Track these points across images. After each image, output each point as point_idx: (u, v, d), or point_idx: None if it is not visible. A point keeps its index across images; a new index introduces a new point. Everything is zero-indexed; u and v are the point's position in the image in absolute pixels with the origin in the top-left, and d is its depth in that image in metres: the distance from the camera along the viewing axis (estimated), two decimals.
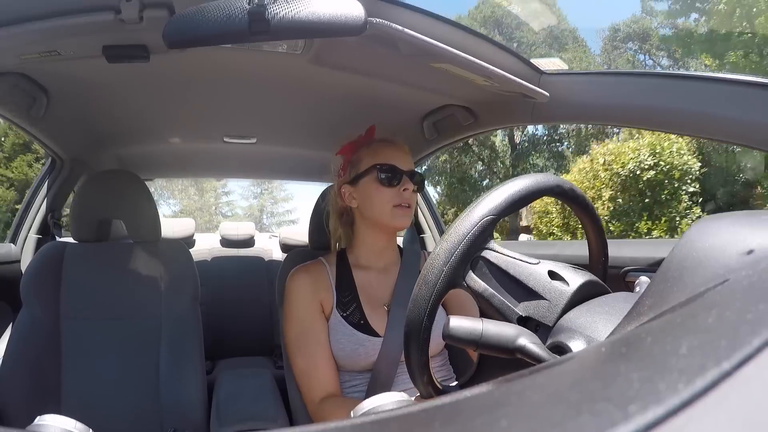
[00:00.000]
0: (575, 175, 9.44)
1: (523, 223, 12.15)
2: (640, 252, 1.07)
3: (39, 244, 1.61)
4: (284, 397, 1.24)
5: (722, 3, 11.32)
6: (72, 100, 1.23)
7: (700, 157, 9.24)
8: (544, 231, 9.54)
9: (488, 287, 0.52)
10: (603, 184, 8.84)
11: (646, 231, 8.26)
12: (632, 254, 1.07)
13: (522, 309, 0.51)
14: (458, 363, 1.15)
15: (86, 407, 1.17)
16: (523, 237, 10.68)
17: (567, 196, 0.58)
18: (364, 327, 1.02)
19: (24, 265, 1.54)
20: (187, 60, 1.04)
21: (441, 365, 1.09)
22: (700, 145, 9.37)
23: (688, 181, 8.62)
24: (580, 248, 1.31)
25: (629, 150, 8.61)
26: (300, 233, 2.71)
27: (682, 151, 8.61)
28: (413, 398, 0.59)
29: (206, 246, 3.10)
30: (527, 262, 0.52)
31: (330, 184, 1.20)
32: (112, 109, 1.35)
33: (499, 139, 15.89)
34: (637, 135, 9.36)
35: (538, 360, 0.44)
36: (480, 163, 16.04)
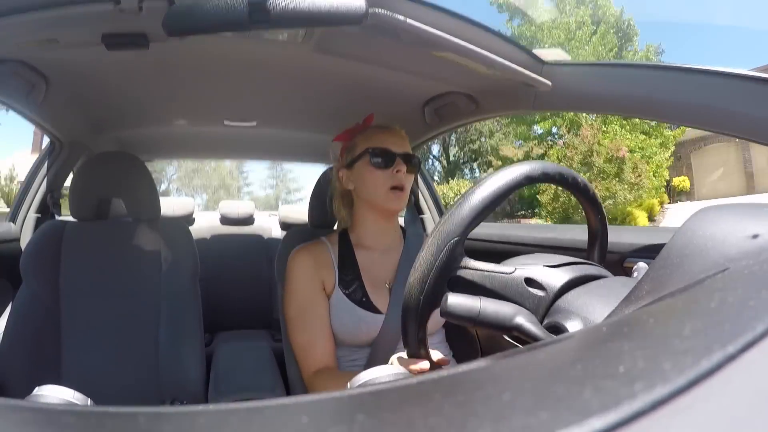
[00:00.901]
0: None
1: None
2: (640, 238, 1.08)
3: (38, 223, 1.61)
4: (282, 369, 1.25)
5: None
6: (71, 87, 1.23)
7: None
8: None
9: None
10: None
11: None
12: (631, 240, 1.07)
13: None
14: (455, 341, 1.17)
15: (85, 381, 1.18)
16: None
17: (554, 180, 0.58)
18: (366, 304, 1.03)
19: (23, 244, 1.55)
20: (186, 47, 1.03)
21: (438, 342, 1.10)
22: None
23: None
24: (581, 233, 1.31)
25: None
26: (299, 211, 2.71)
27: None
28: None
29: (205, 225, 3.10)
30: (503, 273, 0.52)
31: (331, 165, 1.22)
32: (112, 95, 1.34)
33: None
34: None
35: (534, 339, 0.45)
36: None
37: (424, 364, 0.67)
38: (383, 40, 0.92)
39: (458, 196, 0.54)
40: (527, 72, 0.97)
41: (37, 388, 0.52)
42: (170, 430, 0.20)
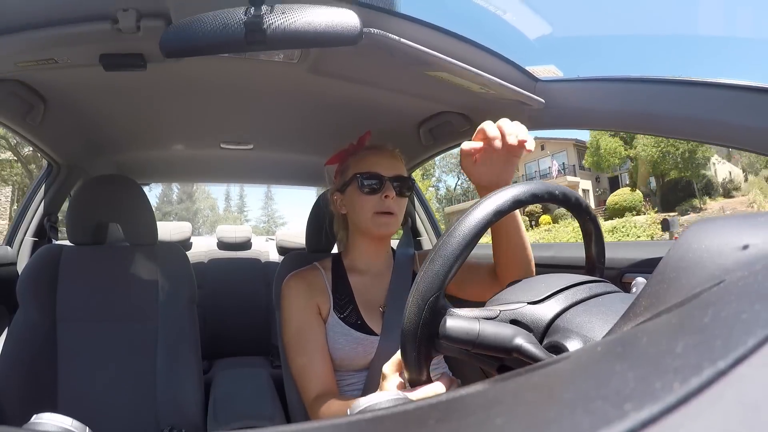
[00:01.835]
0: None
1: None
2: (637, 253, 1.07)
3: (35, 247, 1.61)
4: (281, 396, 1.23)
5: None
6: (69, 108, 1.24)
7: None
8: None
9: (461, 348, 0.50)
10: None
11: None
12: (629, 255, 1.07)
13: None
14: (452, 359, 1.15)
15: (82, 408, 1.17)
16: None
17: (543, 200, 0.56)
18: (361, 327, 1.03)
19: (20, 268, 1.54)
20: (183, 68, 1.05)
21: (436, 362, 1.09)
22: None
23: None
24: (578, 250, 1.31)
25: None
26: (295, 236, 2.71)
27: None
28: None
29: (203, 249, 3.10)
30: (488, 319, 0.51)
31: (327, 188, 1.22)
32: (109, 116, 1.36)
33: None
34: None
35: (534, 360, 0.44)
36: None
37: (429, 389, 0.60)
38: (378, 61, 0.94)
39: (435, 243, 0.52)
40: (520, 90, 0.98)
41: (35, 416, 0.51)
42: None
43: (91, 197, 1.35)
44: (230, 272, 2.67)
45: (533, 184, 0.55)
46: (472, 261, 0.86)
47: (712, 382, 0.16)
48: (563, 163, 26.15)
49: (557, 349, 0.46)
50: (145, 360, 1.24)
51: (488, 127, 0.76)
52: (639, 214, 20.03)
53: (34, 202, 1.62)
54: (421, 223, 2.02)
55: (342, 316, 1.04)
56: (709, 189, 21.31)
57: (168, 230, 2.90)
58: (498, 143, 0.74)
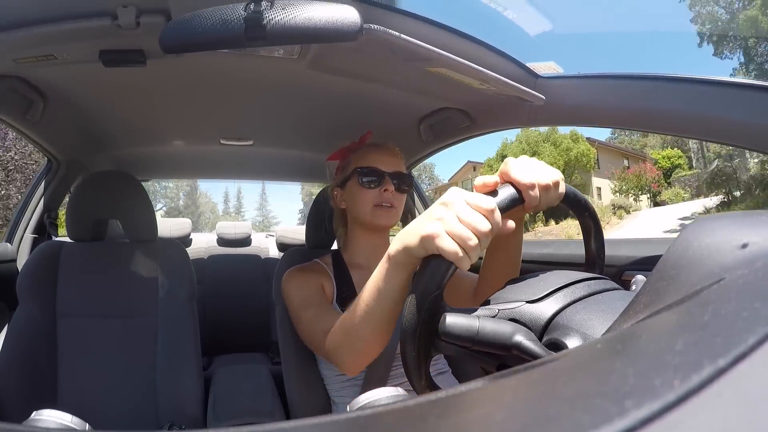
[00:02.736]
0: None
1: None
2: (637, 251, 1.07)
3: (35, 243, 1.60)
4: (281, 392, 1.23)
5: None
6: (68, 104, 1.23)
7: None
8: None
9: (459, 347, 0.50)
10: None
11: None
12: (629, 253, 1.07)
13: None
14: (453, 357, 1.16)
15: (82, 404, 1.17)
16: None
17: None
18: None
19: (20, 264, 1.54)
20: (183, 64, 1.04)
21: (435, 358, 1.09)
22: None
23: None
24: (577, 248, 1.31)
25: None
26: (295, 232, 2.70)
27: None
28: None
29: (203, 245, 3.09)
30: (487, 317, 0.51)
31: (327, 184, 1.23)
32: (109, 111, 1.35)
33: None
34: None
35: (534, 357, 0.44)
36: None
37: None
38: (378, 56, 0.93)
39: None
40: (521, 86, 0.98)
41: (35, 413, 0.51)
42: None
43: (90, 193, 1.34)
44: (230, 268, 2.67)
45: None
46: (458, 272, 0.81)
47: (713, 379, 0.16)
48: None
49: (557, 346, 0.46)
50: (145, 356, 1.24)
51: (517, 166, 0.56)
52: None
53: (33, 199, 1.62)
54: None
55: (344, 308, 1.03)
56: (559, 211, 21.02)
57: (168, 226, 2.89)
58: (536, 194, 0.55)
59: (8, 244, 1.58)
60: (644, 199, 24.42)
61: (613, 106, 0.94)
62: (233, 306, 2.48)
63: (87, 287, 1.27)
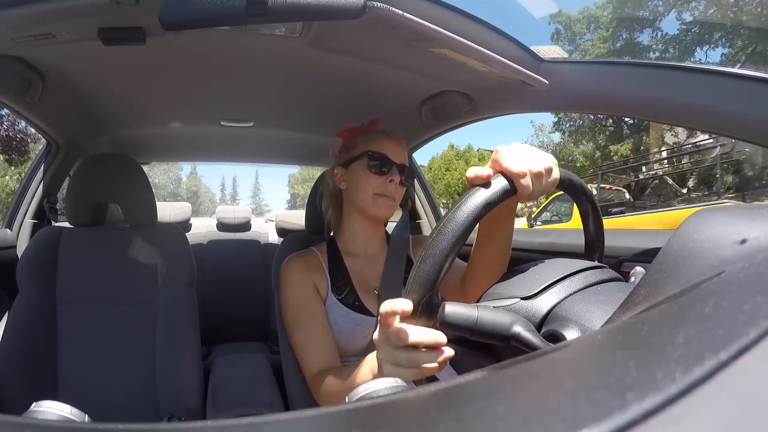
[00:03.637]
0: None
1: None
2: (636, 242, 1.08)
3: (35, 229, 1.60)
4: (280, 382, 1.24)
5: None
6: (67, 84, 1.22)
7: None
8: None
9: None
10: None
11: None
12: (628, 244, 1.07)
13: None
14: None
15: (82, 393, 1.18)
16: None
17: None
18: (359, 307, 1.04)
19: (20, 251, 1.54)
20: (183, 43, 1.02)
21: None
22: None
23: None
24: (576, 237, 1.31)
25: None
26: (295, 217, 2.70)
27: None
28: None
29: (202, 230, 3.09)
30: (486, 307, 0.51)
31: (326, 168, 1.21)
32: (108, 92, 1.33)
33: None
34: None
35: (532, 348, 0.44)
36: None
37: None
38: (381, 36, 0.92)
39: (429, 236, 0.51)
40: (524, 70, 0.96)
41: (34, 404, 0.51)
42: None
43: (90, 177, 1.33)
44: (230, 254, 2.66)
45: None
46: None
47: (715, 372, 0.16)
48: None
49: (555, 337, 0.46)
50: (144, 343, 1.25)
51: (508, 154, 0.55)
52: None
53: (33, 183, 1.61)
54: (422, 207, 2.01)
55: (340, 297, 1.04)
56: None
57: (167, 211, 2.87)
58: (527, 183, 0.54)
59: (8, 230, 1.57)
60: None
61: (617, 93, 0.93)
62: (233, 294, 2.49)
63: (87, 274, 1.27)
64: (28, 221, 1.60)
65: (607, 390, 0.17)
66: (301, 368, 1.02)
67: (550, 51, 1.07)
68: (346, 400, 0.42)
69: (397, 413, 0.23)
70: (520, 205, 0.90)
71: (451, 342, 0.52)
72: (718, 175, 8.64)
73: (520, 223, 9.64)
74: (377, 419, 0.22)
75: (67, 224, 1.35)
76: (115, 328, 1.25)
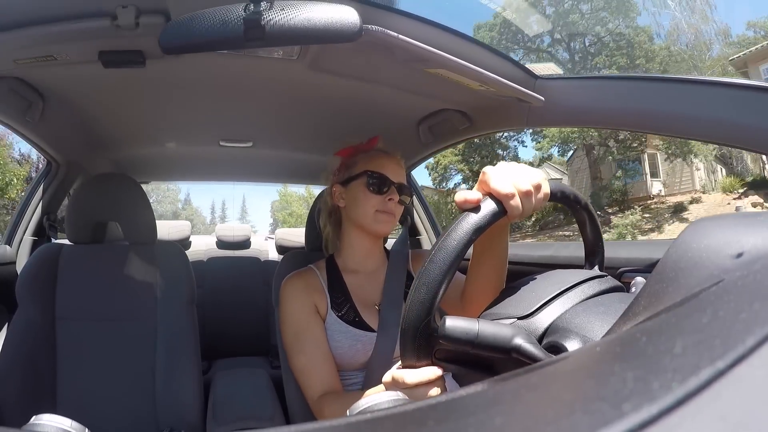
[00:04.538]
0: None
1: None
2: (636, 253, 1.07)
3: (34, 246, 1.60)
4: (281, 396, 1.23)
5: None
6: (68, 105, 1.23)
7: None
8: None
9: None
10: None
11: None
12: (628, 255, 1.07)
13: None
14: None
15: (81, 408, 1.17)
16: None
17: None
18: (359, 324, 1.03)
19: (19, 267, 1.54)
20: (183, 65, 1.04)
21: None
22: None
23: None
24: (577, 249, 1.31)
25: None
26: (295, 234, 2.71)
27: None
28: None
29: (202, 248, 3.09)
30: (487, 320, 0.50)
31: (324, 187, 1.22)
32: (108, 113, 1.35)
33: None
34: None
35: (534, 360, 0.44)
36: None
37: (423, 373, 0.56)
38: (378, 57, 0.93)
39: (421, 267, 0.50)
40: (520, 87, 0.98)
41: (34, 417, 0.51)
42: None
43: (90, 196, 1.34)
44: (229, 271, 2.66)
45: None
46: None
47: (711, 382, 0.16)
48: None
49: (556, 349, 0.45)
50: (145, 360, 1.24)
51: (495, 175, 0.53)
52: None
53: (33, 201, 1.62)
54: (421, 223, 2.01)
55: (340, 314, 1.04)
56: None
57: (167, 229, 2.88)
58: (516, 203, 0.53)
59: (7, 246, 1.58)
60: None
61: (612, 108, 0.94)
62: (233, 309, 2.48)
63: (86, 290, 1.27)
64: (28, 238, 1.61)
65: (603, 401, 0.17)
66: (301, 390, 1.01)
67: (545, 68, 1.09)
68: (347, 413, 0.41)
69: (397, 426, 0.22)
70: None
71: (451, 364, 0.52)
72: None
73: None
74: None
75: (66, 241, 1.36)
76: (115, 345, 1.24)
